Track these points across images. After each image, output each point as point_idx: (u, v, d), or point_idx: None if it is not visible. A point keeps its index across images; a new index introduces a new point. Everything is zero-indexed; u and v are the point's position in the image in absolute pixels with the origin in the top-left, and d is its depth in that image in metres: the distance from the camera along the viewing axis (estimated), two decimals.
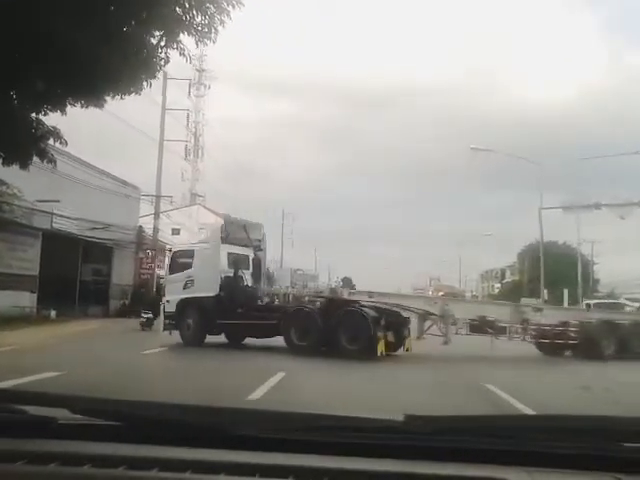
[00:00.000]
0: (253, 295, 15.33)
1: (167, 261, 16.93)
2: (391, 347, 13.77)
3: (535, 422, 1.79)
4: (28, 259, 22.71)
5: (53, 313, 23.20)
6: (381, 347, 13.13)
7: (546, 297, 33.98)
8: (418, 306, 15.37)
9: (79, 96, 9.16)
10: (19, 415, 1.54)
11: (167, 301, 15.62)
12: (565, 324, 15.06)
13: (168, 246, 15.51)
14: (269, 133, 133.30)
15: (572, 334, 14.83)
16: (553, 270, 39.41)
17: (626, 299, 34.15)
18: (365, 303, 14.15)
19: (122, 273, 29.68)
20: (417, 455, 1.42)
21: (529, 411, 6.74)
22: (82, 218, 24.77)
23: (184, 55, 8.71)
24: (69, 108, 9.46)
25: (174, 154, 40.37)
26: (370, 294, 14.86)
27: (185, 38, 8.72)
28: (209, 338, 14.96)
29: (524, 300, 25.27)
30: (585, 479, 1.37)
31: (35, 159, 10.72)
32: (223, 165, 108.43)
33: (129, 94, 9.19)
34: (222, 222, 16.77)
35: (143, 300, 24.65)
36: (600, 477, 1.35)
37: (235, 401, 5.75)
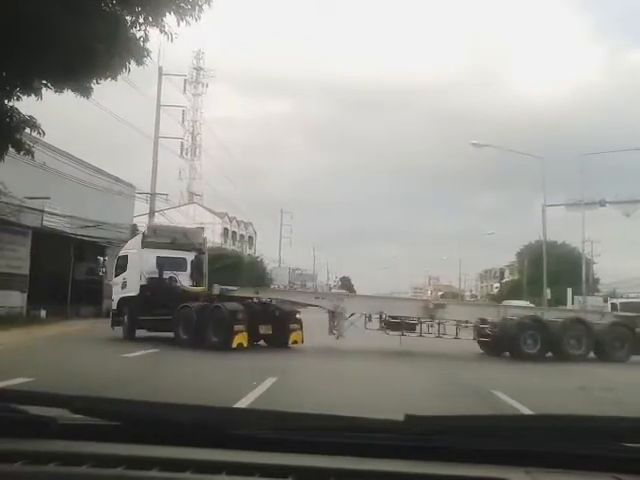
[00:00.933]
0: (171, 294, 16.19)
1: (114, 265, 18.64)
2: (268, 339, 15.06)
3: (535, 422, 1.74)
4: (17, 258, 22.26)
5: (43, 313, 22.92)
6: (240, 339, 13.98)
7: (549, 296, 33.49)
8: (306, 302, 17.24)
9: (52, 78, 8.54)
10: (19, 415, 1.52)
11: (112, 300, 17.79)
12: (484, 321, 15.23)
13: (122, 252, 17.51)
14: (268, 132, 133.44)
15: (486, 331, 15.07)
16: (553, 270, 38.79)
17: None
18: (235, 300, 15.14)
19: None
20: (417, 455, 1.42)
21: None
22: (74, 216, 24.40)
23: (165, 32, 8.13)
24: (62, 105, 8.92)
25: (172, 153, 39.95)
26: (256, 290, 16.75)
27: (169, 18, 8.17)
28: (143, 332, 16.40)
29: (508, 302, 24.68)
30: (585, 479, 1.37)
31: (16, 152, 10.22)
32: (221, 164, 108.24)
33: (106, 78, 8.62)
34: (145, 229, 19.11)
35: None
36: (600, 477, 1.35)
37: None
